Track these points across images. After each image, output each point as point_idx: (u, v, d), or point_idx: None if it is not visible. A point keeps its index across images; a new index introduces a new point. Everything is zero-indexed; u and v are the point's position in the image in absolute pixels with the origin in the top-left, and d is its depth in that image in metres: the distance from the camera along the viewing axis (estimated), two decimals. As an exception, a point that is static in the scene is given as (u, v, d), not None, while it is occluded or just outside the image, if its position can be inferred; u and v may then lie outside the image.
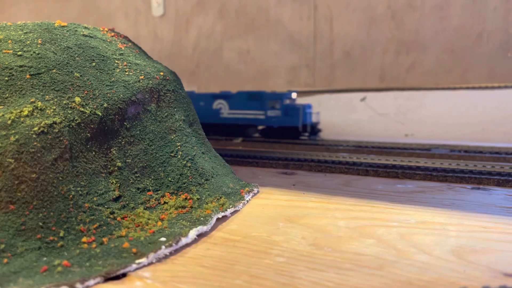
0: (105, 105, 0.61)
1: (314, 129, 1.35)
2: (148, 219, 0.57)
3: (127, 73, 0.68)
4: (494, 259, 0.47)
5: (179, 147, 0.69)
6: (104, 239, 0.50)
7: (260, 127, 1.41)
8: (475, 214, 0.62)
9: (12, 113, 0.52)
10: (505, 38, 1.31)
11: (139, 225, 0.55)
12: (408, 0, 1.43)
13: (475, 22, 1.34)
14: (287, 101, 1.32)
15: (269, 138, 1.34)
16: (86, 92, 0.60)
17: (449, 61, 1.40)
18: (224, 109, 1.37)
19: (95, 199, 0.55)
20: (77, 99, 0.58)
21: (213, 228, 0.58)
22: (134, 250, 0.48)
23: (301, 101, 1.47)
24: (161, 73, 0.72)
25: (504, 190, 0.77)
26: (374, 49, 1.51)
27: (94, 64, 0.65)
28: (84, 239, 0.49)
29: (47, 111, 0.54)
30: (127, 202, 0.59)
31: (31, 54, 0.59)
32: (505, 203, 0.68)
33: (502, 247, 0.51)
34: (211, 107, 1.39)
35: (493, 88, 1.32)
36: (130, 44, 0.77)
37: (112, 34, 0.76)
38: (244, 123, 1.36)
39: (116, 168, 0.60)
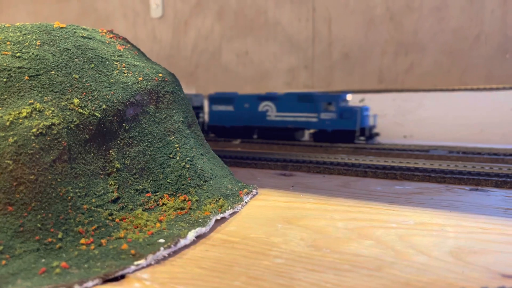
0: (104, 106, 0.61)
1: (371, 133, 1.27)
2: (147, 220, 0.57)
3: (125, 74, 0.68)
4: (492, 260, 0.47)
5: (177, 148, 0.69)
6: (103, 241, 0.50)
7: (311, 131, 1.33)
8: (473, 215, 0.62)
9: (10, 114, 0.52)
10: (502, 40, 1.31)
11: (137, 227, 0.55)
12: (407, 2, 1.44)
13: (473, 24, 1.35)
14: (343, 103, 1.25)
15: (321, 142, 1.27)
16: (84, 93, 0.60)
17: (447, 63, 1.40)
18: (271, 111, 1.32)
19: (93, 200, 0.55)
20: (76, 100, 0.58)
21: (212, 229, 0.58)
22: (132, 251, 0.48)
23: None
24: (160, 75, 0.72)
25: (502, 191, 0.77)
26: (372, 50, 1.51)
27: (92, 65, 0.65)
28: (82, 240, 0.49)
29: (46, 112, 0.54)
30: (125, 203, 0.59)
31: (30, 56, 0.59)
32: (503, 204, 0.68)
33: (501, 248, 0.51)
34: (257, 109, 1.34)
35: (491, 89, 1.33)
36: (128, 45, 0.77)
37: (111, 35, 0.76)
38: (293, 126, 1.29)
39: (114, 170, 0.60)
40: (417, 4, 1.42)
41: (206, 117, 1.48)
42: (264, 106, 1.33)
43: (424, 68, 1.44)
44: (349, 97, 1.28)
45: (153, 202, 0.63)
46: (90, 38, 0.70)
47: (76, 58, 0.64)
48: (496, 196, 0.73)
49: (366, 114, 1.25)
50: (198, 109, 1.48)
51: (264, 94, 1.34)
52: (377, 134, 1.30)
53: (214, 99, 1.42)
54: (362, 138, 1.26)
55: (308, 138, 1.37)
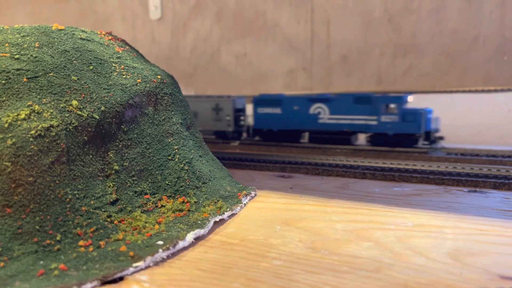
0: (103, 108, 0.61)
1: (435, 137, 1.19)
2: (145, 222, 0.57)
3: (124, 76, 0.68)
4: (490, 261, 0.47)
5: (176, 150, 0.69)
6: (101, 243, 0.50)
7: (368, 134, 1.23)
8: (471, 217, 0.62)
9: (9, 116, 0.52)
10: (501, 42, 1.32)
11: (136, 229, 0.55)
12: (405, 4, 1.44)
13: (471, 25, 1.35)
14: (405, 105, 1.17)
15: (379, 146, 1.18)
16: (83, 95, 0.60)
17: (445, 64, 1.40)
18: (323, 114, 1.24)
19: (92, 202, 0.55)
20: (75, 102, 0.58)
21: (211, 231, 0.58)
22: (131, 253, 0.48)
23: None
24: (159, 76, 0.73)
25: (501, 193, 0.77)
26: (371, 52, 1.52)
27: (91, 67, 0.65)
28: (81, 242, 0.49)
29: (44, 114, 0.54)
30: (124, 205, 0.59)
31: (29, 58, 0.59)
32: (501, 206, 0.68)
33: (499, 249, 0.51)
34: (307, 112, 1.26)
35: (489, 91, 1.33)
36: (127, 47, 0.77)
37: (110, 37, 0.76)
38: (350, 129, 1.21)
39: (113, 172, 0.60)
40: (415, 6, 1.42)
41: (250, 120, 1.41)
42: (315, 108, 1.25)
43: (422, 70, 1.44)
44: (410, 98, 1.19)
45: (152, 204, 0.63)
46: (89, 40, 0.70)
47: (74, 60, 0.64)
48: (495, 198, 0.73)
49: (430, 117, 1.17)
50: (240, 111, 1.42)
51: (315, 96, 1.27)
52: (441, 138, 1.20)
53: (260, 101, 1.35)
54: (425, 142, 1.17)
55: (365, 142, 1.27)
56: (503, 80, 1.33)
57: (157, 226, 0.56)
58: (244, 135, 1.45)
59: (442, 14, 1.39)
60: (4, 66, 0.57)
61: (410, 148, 1.13)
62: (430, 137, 1.17)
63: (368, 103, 1.18)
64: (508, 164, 0.97)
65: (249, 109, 1.44)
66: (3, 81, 0.56)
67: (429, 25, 1.41)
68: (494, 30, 1.32)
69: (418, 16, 1.42)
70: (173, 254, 0.50)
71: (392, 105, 1.15)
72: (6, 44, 0.61)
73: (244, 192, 0.72)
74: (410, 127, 1.14)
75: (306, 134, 1.33)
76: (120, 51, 0.73)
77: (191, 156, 0.71)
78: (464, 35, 1.37)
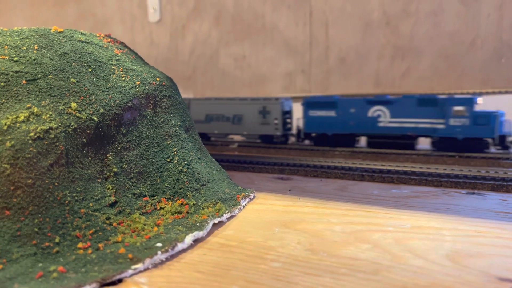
0: (101, 110, 0.61)
1: (510, 141, 1.11)
2: (144, 224, 0.57)
3: (123, 78, 0.68)
4: (489, 263, 0.47)
5: (175, 152, 0.69)
6: (100, 245, 0.50)
7: (434, 139, 1.15)
8: (470, 219, 0.63)
9: (8, 118, 0.52)
10: (498, 45, 1.32)
11: (135, 231, 0.55)
12: (403, 6, 1.44)
13: (469, 28, 1.35)
14: (476, 107, 1.10)
15: (446, 151, 1.11)
16: (82, 97, 0.60)
17: (443, 67, 1.41)
18: (384, 117, 1.17)
19: (91, 204, 0.55)
20: (73, 104, 0.58)
21: (209, 233, 0.58)
22: (130, 255, 0.48)
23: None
24: (157, 79, 0.73)
25: (499, 195, 0.77)
26: (369, 54, 1.52)
27: (90, 69, 0.65)
28: (79, 245, 0.49)
29: (43, 116, 0.54)
30: (123, 207, 0.59)
31: (28, 60, 0.59)
32: (499, 208, 0.69)
33: (497, 251, 0.51)
34: (366, 115, 1.19)
35: (487, 93, 1.33)
36: (126, 50, 0.77)
37: (109, 40, 0.76)
38: (414, 133, 1.14)
39: (112, 174, 0.60)
40: (413, 9, 1.43)
41: (300, 123, 1.32)
42: (375, 111, 1.18)
43: (420, 72, 1.45)
44: (480, 100, 1.12)
45: (151, 206, 0.63)
46: (88, 43, 0.70)
47: (73, 63, 0.64)
48: (493, 200, 0.74)
49: (503, 120, 1.09)
50: (287, 114, 1.34)
51: (374, 98, 1.21)
52: None
53: (312, 103, 1.27)
54: (498, 147, 1.09)
55: (430, 147, 1.19)
56: (501, 82, 1.33)
57: (156, 228, 0.56)
58: (292, 139, 1.36)
59: (440, 17, 1.39)
60: (3, 69, 0.57)
61: (481, 153, 1.06)
62: (505, 141, 1.09)
63: (434, 105, 1.12)
64: (506, 166, 0.97)
65: (296, 111, 1.37)
66: (2, 84, 0.56)
67: (427, 28, 1.42)
68: (492, 33, 1.33)
69: (416, 19, 1.43)
70: (172, 256, 0.50)
71: (461, 108, 1.09)
72: (5, 47, 0.61)
73: (243, 194, 0.73)
74: (483, 131, 1.07)
75: (362, 139, 1.26)
76: (119, 54, 0.73)
77: (190, 158, 0.71)
78: (462, 37, 1.37)
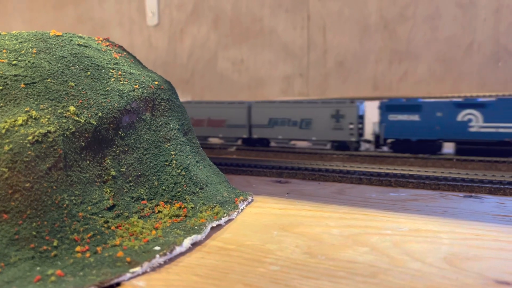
0: (100, 114, 0.61)
1: None
2: (142, 228, 0.57)
3: (121, 82, 0.68)
4: (486, 266, 0.48)
5: (173, 156, 0.69)
6: (98, 248, 0.50)
7: None
8: (467, 222, 0.63)
9: (6, 122, 0.52)
10: (495, 49, 1.33)
11: (133, 234, 0.55)
12: (401, 11, 1.45)
13: (466, 32, 1.36)
14: None
15: None
16: (80, 101, 0.60)
17: (440, 71, 1.41)
18: (475, 121, 1.08)
19: (89, 208, 0.55)
20: (72, 108, 0.58)
21: (208, 237, 0.58)
22: (128, 259, 0.48)
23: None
24: (156, 82, 0.73)
25: (496, 198, 0.77)
26: (367, 58, 1.53)
27: (88, 73, 0.65)
28: (78, 248, 0.49)
29: (42, 120, 0.54)
30: (121, 211, 0.59)
31: (26, 64, 0.60)
32: (496, 211, 0.69)
33: (494, 254, 0.51)
34: (454, 119, 1.10)
35: (484, 97, 1.34)
36: (124, 53, 0.77)
37: (107, 43, 0.76)
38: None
39: (110, 177, 0.60)
40: (410, 13, 1.44)
41: (377, 128, 1.22)
42: (465, 115, 1.09)
43: (418, 76, 1.45)
44: None
45: (149, 209, 0.63)
46: (86, 46, 0.70)
47: (72, 66, 0.64)
48: (490, 203, 0.74)
49: None
50: (361, 118, 1.23)
51: (464, 101, 1.12)
52: None
53: (392, 106, 1.17)
54: None
55: None
56: (498, 86, 1.34)
57: (154, 232, 0.56)
58: (366, 145, 1.25)
59: (437, 21, 1.40)
60: (1, 72, 0.57)
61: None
62: None
63: None
64: (503, 169, 0.97)
65: (370, 115, 1.28)
66: (1, 87, 0.56)
67: (424, 32, 1.42)
68: (488, 36, 1.34)
69: (413, 23, 1.44)
70: (170, 260, 0.50)
71: None
72: (4, 50, 0.61)
73: (241, 197, 0.73)
74: None
75: (449, 145, 1.17)
76: (118, 57, 0.73)
77: (188, 162, 0.71)
78: (459, 41, 1.38)
